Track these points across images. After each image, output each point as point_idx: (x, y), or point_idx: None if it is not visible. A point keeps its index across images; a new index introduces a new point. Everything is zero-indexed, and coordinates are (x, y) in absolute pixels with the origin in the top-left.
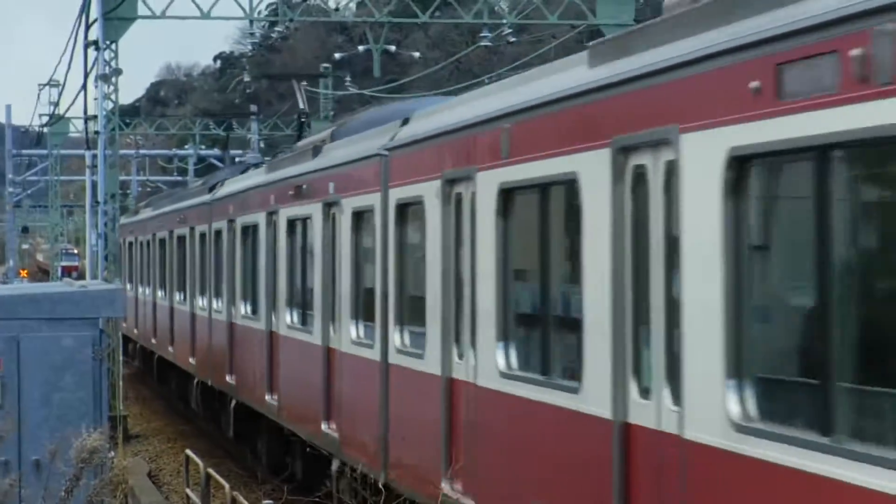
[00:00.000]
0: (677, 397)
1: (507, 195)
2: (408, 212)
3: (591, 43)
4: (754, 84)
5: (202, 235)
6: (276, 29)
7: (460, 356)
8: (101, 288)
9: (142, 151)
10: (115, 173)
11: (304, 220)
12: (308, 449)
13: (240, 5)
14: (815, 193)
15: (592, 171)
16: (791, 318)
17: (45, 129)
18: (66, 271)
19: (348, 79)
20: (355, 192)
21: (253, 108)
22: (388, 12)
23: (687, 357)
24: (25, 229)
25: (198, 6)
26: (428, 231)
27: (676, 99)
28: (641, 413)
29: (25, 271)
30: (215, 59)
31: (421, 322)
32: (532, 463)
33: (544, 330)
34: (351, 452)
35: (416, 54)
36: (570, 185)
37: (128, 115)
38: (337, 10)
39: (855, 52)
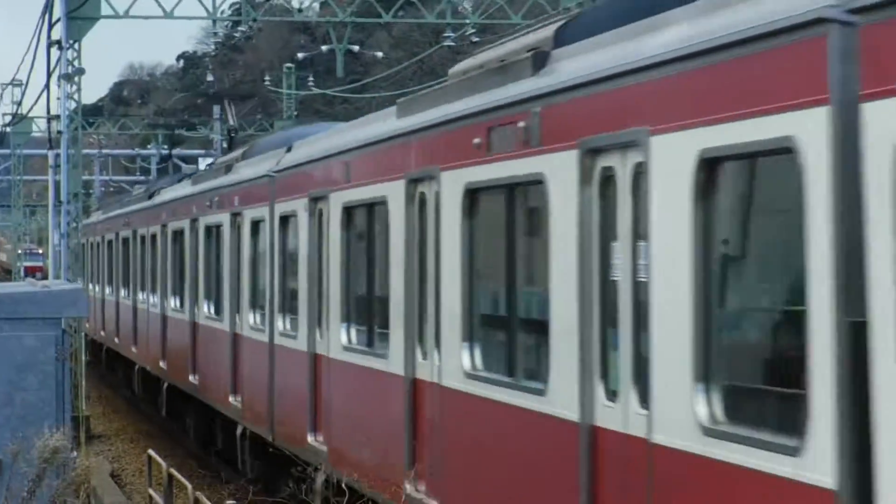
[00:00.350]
0: (440, 357)
1: (349, 211)
2: (287, 222)
3: (399, 100)
4: (477, 140)
5: (142, 238)
6: (240, 29)
7: (321, 335)
8: (64, 288)
9: (104, 151)
10: (78, 173)
11: (218, 227)
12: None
13: (203, 5)
14: (506, 216)
15: (395, 195)
16: (497, 302)
17: (8, 129)
18: (30, 272)
19: (311, 79)
20: (253, 205)
21: (216, 108)
22: (351, 12)
23: (443, 328)
24: None
25: (161, 6)
26: (300, 238)
27: (439, 147)
28: (423, 370)
29: None
30: (178, 58)
31: (296, 310)
32: (361, 413)
33: (370, 313)
34: (250, 418)
35: (380, 54)
36: (383, 206)
37: (91, 114)
38: (300, 10)
39: (521, 124)
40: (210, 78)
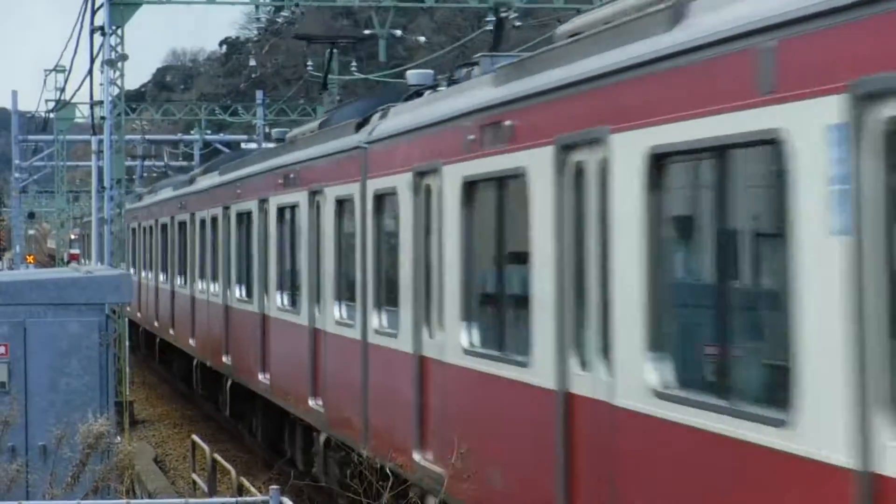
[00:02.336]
0: (315, 310)
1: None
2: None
3: (283, 142)
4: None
5: (163, 226)
6: (282, 14)
7: (266, 300)
8: (107, 273)
9: (147, 137)
10: (121, 158)
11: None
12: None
13: None
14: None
15: (303, 202)
16: (337, 268)
17: (51, 115)
18: (74, 259)
19: (353, 64)
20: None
21: (259, 93)
22: None
23: (302, 286)
24: (31, 215)
25: None
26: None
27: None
28: (318, 320)
29: (32, 257)
30: (221, 44)
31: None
32: (284, 353)
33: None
34: (237, 373)
35: (422, 39)
36: (295, 207)
37: (134, 100)
38: None
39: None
40: (252, 63)
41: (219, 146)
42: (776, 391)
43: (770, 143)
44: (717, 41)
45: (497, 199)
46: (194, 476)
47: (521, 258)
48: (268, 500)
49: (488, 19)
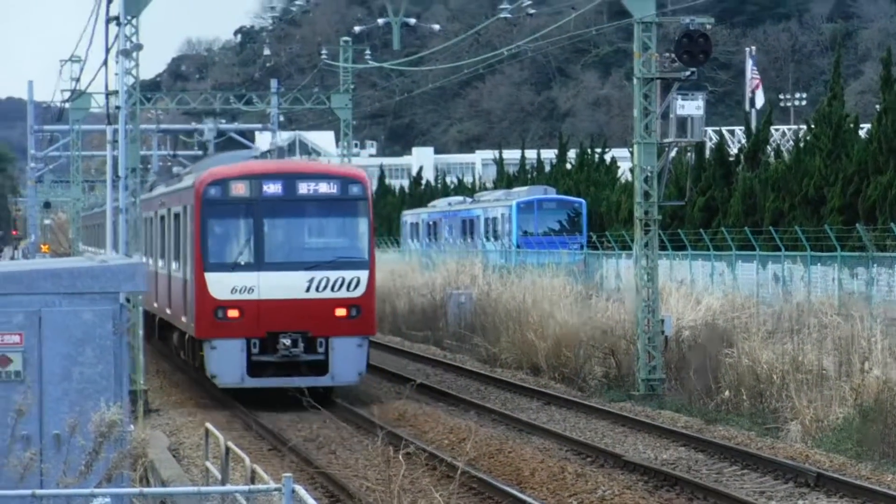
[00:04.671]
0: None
1: (153, 217)
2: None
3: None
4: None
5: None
6: (296, 2)
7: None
8: (121, 262)
9: (162, 126)
10: (136, 148)
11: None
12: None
13: None
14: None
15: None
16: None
17: (67, 105)
18: None
19: (368, 52)
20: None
21: (273, 82)
22: None
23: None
24: (47, 204)
25: None
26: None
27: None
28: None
29: (47, 246)
30: (236, 33)
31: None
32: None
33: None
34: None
35: (436, 27)
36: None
37: (149, 89)
38: None
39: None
40: (267, 52)
41: (233, 135)
42: (185, 264)
43: (181, 210)
44: (174, 190)
45: (165, 220)
46: (208, 464)
47: (179, 238)
48: (280, 488)
49: (502, 6)
